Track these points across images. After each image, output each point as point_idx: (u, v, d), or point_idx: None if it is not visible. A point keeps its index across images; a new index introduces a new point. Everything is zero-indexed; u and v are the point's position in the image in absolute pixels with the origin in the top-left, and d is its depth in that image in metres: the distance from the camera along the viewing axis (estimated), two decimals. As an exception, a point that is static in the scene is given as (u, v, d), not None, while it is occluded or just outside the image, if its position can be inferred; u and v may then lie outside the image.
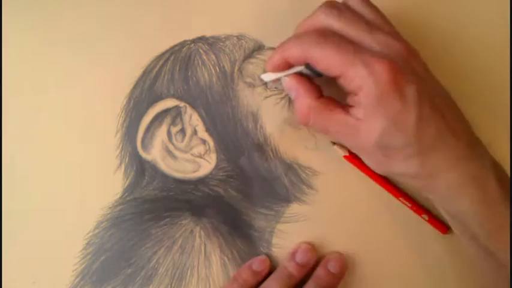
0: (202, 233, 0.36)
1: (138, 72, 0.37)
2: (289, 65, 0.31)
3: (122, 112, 0.37)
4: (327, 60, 0.29)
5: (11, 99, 0.37)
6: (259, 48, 0.37)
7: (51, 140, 0.37)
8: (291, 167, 0.36)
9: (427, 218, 0.34)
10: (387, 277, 0.36)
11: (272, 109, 0.37)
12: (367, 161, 0.32)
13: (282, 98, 0.37)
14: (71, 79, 0.37)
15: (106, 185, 0.36)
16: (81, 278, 0.35)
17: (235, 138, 0.36)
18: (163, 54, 0.37)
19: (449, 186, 0.29)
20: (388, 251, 0.36)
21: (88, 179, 0.37)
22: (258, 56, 0.37)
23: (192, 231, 0.36)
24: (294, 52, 0.30)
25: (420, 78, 0.29)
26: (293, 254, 0.35)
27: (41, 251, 0.36)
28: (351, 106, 0.30)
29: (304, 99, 0.31)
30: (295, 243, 0.35)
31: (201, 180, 0.36)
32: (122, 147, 0.37)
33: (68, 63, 0.37)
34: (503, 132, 0.35)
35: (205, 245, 0.36)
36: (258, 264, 0.35)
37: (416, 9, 0.37)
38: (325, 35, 0.29)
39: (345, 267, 0.35)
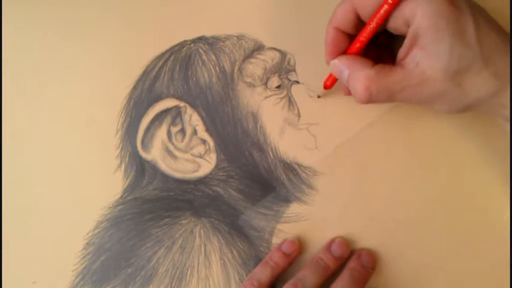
0: (202, 233, 0.36)
1: (138, 72, 0.37)
2: (343, 35, 0.31)
3: (121, 112, 0.37)
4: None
5: (11, 99, 0.37)
6: (259, 48, 0.37)
7: (51, 140, 0.37)
8: (291, 167, 0.36)
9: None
10: (388, 277, 0.36)
11: (272, 109, 0.37)
12: (442, 107, 0.30)
13: (282, 98, 0.37)
14: (71, 79, 0.37)
15: (106, 185, 0.36)
16: (81, 278, 0.35)
17: (235, 138, 0.36)
18: (163, 54, 0.37)
19: None
20: (389, 250, 0.36)
21: (88, 179, 0.37)
22: (258, 56, 0.37)
23: (192, 231, 0.36)
24: (341, 9, 0.30)
25: None
26: (328, 247, 0.35)
27: (41, 251, 0.36)
28: (402, 60, 0.29)
29: (361, 71, 0.30)
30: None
31: (201, 180, 0.36)
32: (122, 147, 0.37)
33: (68, 63, 0.37)
34: (504, 132, 0.35)
35: (205, 245, 0.36)
36: (287, 246, 0.35)
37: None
38: None
39: (375, 262, 0.35)
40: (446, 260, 0.35)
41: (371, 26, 0.30)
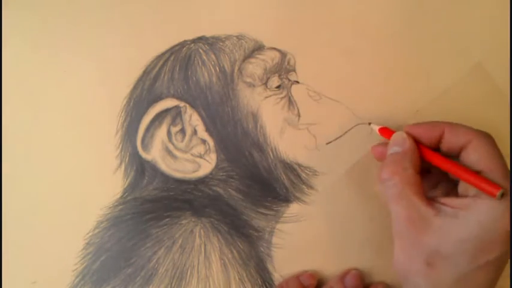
0: (202, 232, 0.36)
1: (138, 72, 0.37)
2: (435, 139, 0.31)
3: (122, 112, 0.37)
4: (486, 153, 0.28)
5: (11, 99, 0.37)
6: (259, 48, 0.37)
7: (51, 140, 0.37)
8: (291, 167, 0.36)
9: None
10: (388, 276, 0.36)
11: (272, 109, 0.37)
12: (397, 252, 0.29)
13: (282, 98, 0.37)
14: (71, 79, 0.37)
15: (106, 185, 0.36)
16: (81, 278, 0.35)
17: (235, 138, 0.36)
18: (163, 54, 0.37)
19: None
20: (389, 250, 0.35)
21: (88, 179, 0.37)
22: (258, 56, 0.37)
23: (192, 231, 0.36)
24: (462, 130, 0.29)
25: None
26: (342, 277, 0.34)
27: (41, 251, 0.36)
28: (437, 202, 0.28)
29: (405, 161, 0.29)
30: (295, 243, 0.35)
31: (201, 180, 0.36)
32: (121, 147, 0.37)
33: (68, 64, 0.37)
34: (503, 132, 0.35)
35: (205, 245, 0.36)
36: (306, 278, 0.35)
37: (416, 9, 0.37)
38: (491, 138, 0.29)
39: None
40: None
41: (451, 169, 0.29)
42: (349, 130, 0.36)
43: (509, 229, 0.26)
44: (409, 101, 0.36)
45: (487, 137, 0.29)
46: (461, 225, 0.27)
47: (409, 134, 0.31)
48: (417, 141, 0.31)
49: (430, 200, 0.28)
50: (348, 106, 0.36)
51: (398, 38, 0.36)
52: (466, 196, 0.28)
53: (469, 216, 0.27)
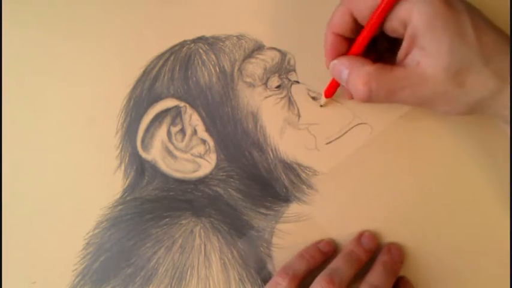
0: (202, 232, 0.36)
1: (138, 72, 0.37)
2: (341, 39, 0.31)
3: (121, 112, 0.37)
4: None
5: (11, 99, 0.37)
6: (259, 48, 0.37)
7: (51, 140, 0.37)
8: (291, 167, 0.36)
9: None
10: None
11: (272, 109, 0.37)
12: (444, 108, 0.30)
13: (282, 98, 0.37)
14: (71, 79, 0.37)
15: (106, 185, 0.36)
16: (81, 278, 0.35)
17: (235, 138, 0.36)
18: (163, 54, 0.37)
19: None
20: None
21: (88, 179, 0.37)
22: (258, 55, 0.37)
23: (192, 231, 0.36)
24: (337, 13, 0.31)
25: None
26: (358, 240, 0.35)
27: (41, 251, 0.36)
28: (402, 60, 0.29)
29: (360, 68, 0.30)
30: (295, 243, 0.35)
31: (201, 180, 0.36)
32: (121, 147, 0.37)
33: (67, 63, 0.37)
34: (504, 136, 0.35)
35: (205, 245, 0.36)
36: (323, 245, 0.35)
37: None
38: None
39: (404, 256, 0.35)
40: (445, 259, 0.35)
41: (369, 27, 0.30)
42: (349, 130, 0.36)
43: None
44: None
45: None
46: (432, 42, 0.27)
47: (336, 57, 0.32)
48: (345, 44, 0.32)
49: (400, 64, 0.29)
50: (348, 106, 0.36)
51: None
52: (404, 35, 0.29)
53: (424, 37, 0.27)
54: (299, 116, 0.37)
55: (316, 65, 0.36)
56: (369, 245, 0.35)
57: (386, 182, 0.36)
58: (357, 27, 0.31)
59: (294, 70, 0.37)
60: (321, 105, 0.36)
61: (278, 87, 0.37)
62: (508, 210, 0.34)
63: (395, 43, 0.30)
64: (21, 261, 0.36)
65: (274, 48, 0.37)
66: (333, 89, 0.34)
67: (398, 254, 0.35)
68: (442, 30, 0.27)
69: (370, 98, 0.30)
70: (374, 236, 0.35)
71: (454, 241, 0.35)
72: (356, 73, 0.30)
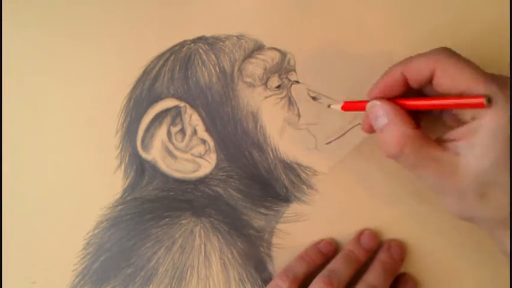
0: (202, 232, 0.36)
1: (138, 72, 0.37)
2: (403, 83, 0.30)
3: (121, 112, 0.37)
4: (460, 76, 0.27)
5: (11, 99, 0.37)
6: (259, 48, 0.37)
7: (51, 140, 0.37)
8: (291, 167, 0.36)
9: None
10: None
11: (272, 109, 0.37)
12: (451, 204, 0.29)
13: (282, 98, 0.37)
14: (71, 79, 0.37)
15: (106, 185, 0.36)
16: (81, 278, 0.35)
17: (235, 138, 0.36)
18: (163, 54, 0.37)
19: None
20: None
21: (88, 179, 0.37)
22: (258, 56, 0.37)
23: (192, 231, 0.36)
24: (421, 61, 0.28)
25: None
26: (357, 239, 0.35)
27: (41, 251, 0.36)
28: (446, 142, 0.28)
29: (400, 126, 0.28)
30: (295, 243, 0.35)
31: (201, 180, 0.36)
32: (121, 147, 0.37)
33: (67, 63, 0.37)
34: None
35: (205, 245, 0.36)
36: (324, 246, 0.35)
37: (416, 10, 0.37)
38: (456, 53, 0.28)
39: (405, 253, 0.35)
40: (445, 259, 0.35)
41: (437, 105, 0.28)
42: (349, 130, 0.36)
43: None
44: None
45: (447, 55, 0.28)
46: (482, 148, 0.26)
47: (379, 98, 0.30)
48: (388, 98, 0.30)
49: (441, 144, 0.28)
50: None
51: (398, 37, 0.36)
52: (465, 122, 0.28)
53: (482, 137, 0.26)
54: (299, 116, 0.37)
55: (316, 65, 0.36)
56: (368, 244, 0.35)
57: (386, 181, 0.36)
58: (427, 83, 0.29)
59: (294, 70, 0.37)
60: (329, 106, 0.35)
61: (278, 87, 0.37)
62: (508, 210, 0.34)
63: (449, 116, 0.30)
64: (21, 261, 0.36)
65: (274, 48, 0.37)
66: (354, 109, 0.33)
67: (398, 252, 0.35)
68: (499, 143, 0.26)
69: (396, 158, 0.29)
70: (374, 235, 0.35)
71: (454, 241, 0.35)
72: (395, 128, 0.28)
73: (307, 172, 0.36)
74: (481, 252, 0.35)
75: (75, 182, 0.36)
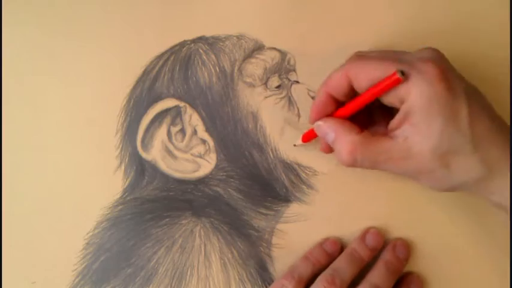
0: (202, 232, 0.36)
1: (138, 72, 0.37)
2: (332, 100, 0.31)
3: (121, 112, 0.37)
4: (371, 71, 0.29)
5: (11, 99, 0.37)
6: (259, 48, 0.37)
7: (51, 140, 0.37)
8: (291, 167, 0.36)
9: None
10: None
11: (272, 109, 0.37)
12: (427, 183, 0.30)
13: (282, 98, 0.37)
14: (71, 79, 0.37)
15: (106, 185, 0.36)
16: (81, 278, 0.35)
17: (235, 138, 0.36)
18: (163, 54, 0.37)
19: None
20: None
21: (88, 179, 0.37)
22: (258, 56, 0.37)
23: (192, 231, 0.36)
24: (336, 76, 0.30)
25: (461, 77, 0.29)
26: (362, 238, 0.35)
27: (41, 251, 0.36)
28: (392, 131, 0.29)
29: (346, 136, 0.30)
30: (295, 243, 0.35)
31: (201, 180, 0.36)
32: (122, 147, 0.37)
33: (67, 63, 0.37)
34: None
35: (205, 245, 0.36)
36: (329, 245, 0.35)
37: (417, 10, 0.37)
38: (364, 53, 0.31)
39: (410, 252, 0.35)
40: (445, 259, 0.35)
41: (363, 100, 0.30)
42: None
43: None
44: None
45: (354, 60, 0.30)
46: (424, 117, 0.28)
47: (320, 116, 0.32)
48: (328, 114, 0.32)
49: (389, 135, 0.29)
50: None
51: (398, 37, 0.36)
52: (399, 109, 0.29)
53: (417, 114, 0.28)
54: (299, 116, 0.37)
55: (316, 65, 0.36)
56: (373, 243, 0.34)
57: (386, 181, 0.36)
58: (352, 93, 0.31)
59: (294, 70, 0.37)
60: (295, 145, 0.36)
61: (278, 87, 0.37)
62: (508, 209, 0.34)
63: (388, 109, 0.31)
64: (21, 261, 0.36)
65: (274, 48, 0.37)
66: (311, 137, 0.34)
67: (403, 252, 0.35)
68: (436, 114, 0.27)
69: (353, 166, 0.30)
70: (379, 234, 0.35)
71: (454, 240, 0.35)
72: (342, 140, 0.30)
73: (307, 172, 0.36)
74: (487, 252, 0.35)
75: (75, 182, 0.36)
